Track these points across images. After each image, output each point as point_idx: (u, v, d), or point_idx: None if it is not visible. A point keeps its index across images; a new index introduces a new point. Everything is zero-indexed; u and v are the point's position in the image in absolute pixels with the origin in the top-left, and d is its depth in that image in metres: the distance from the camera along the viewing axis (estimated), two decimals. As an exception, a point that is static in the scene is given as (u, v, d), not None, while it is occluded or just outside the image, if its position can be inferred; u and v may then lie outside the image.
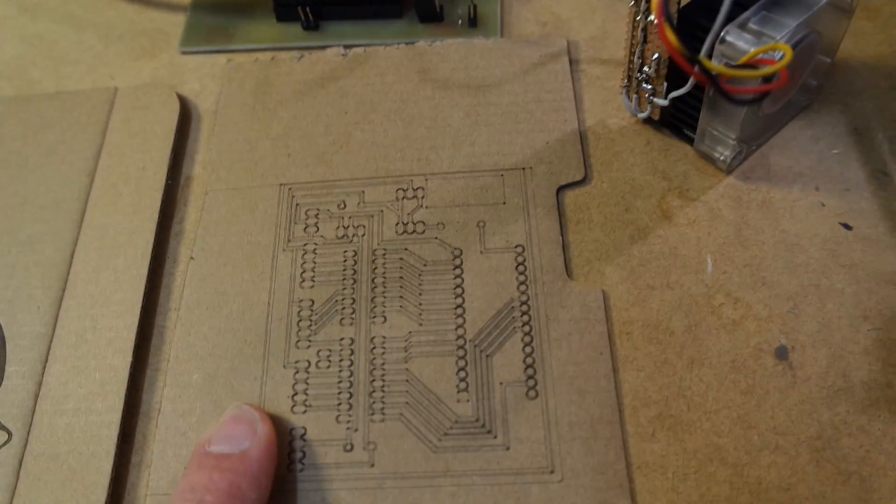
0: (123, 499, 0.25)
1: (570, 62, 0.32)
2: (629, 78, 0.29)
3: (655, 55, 0.26)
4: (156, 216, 0.29)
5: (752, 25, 0.24)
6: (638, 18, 0.26)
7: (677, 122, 0.29)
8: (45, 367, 0.26)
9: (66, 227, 0.29)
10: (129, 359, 0.26)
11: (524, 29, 0.34)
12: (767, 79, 0.22)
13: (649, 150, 0.30)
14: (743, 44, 0.23)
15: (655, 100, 0.28)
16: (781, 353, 0.25)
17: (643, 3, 0.26)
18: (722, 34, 0.23)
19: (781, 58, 0.21)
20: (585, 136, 0.30)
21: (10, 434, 0.25)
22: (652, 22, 0.25)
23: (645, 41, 0.27)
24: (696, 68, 0.21)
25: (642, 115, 0.29)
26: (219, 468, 0.22)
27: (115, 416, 0.25)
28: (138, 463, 0.25)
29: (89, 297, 0.28)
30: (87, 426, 0.25)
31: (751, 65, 0.22)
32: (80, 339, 0.27)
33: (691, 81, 0.25)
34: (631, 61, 0.28)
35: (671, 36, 0.20)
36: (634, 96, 0.29)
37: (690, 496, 0.23)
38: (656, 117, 0.29)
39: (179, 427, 0.25)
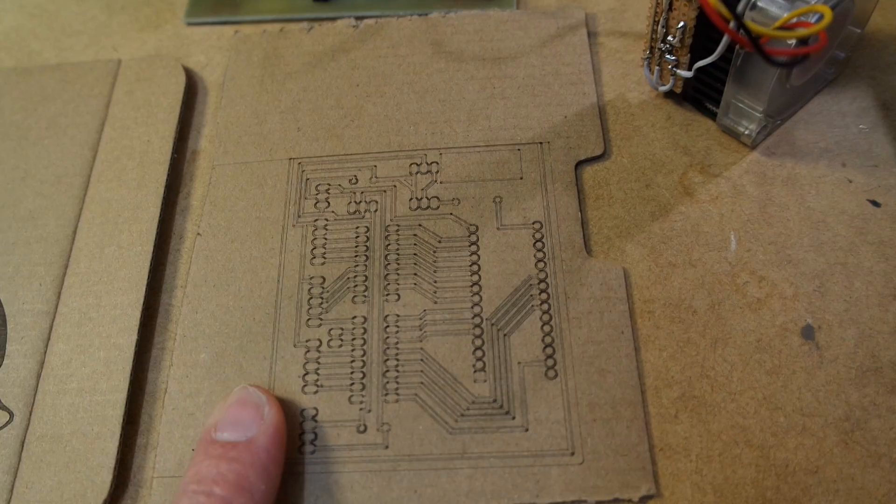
0: (129, 481, 0.24)
1: (588, 34, 0.31)
2: (651, 49, 0.28)
3: (681, 24, 0.25)
4: (161, 191, 0.28)
5: (784, -9, 0.23)
6: (663, -15, 0.25)
7: (700, 95, 0.28)
8: (47, 346, 0.26)
9: (69, 202, 0.28)
10: (134, 337, 0.25)
11: (540, 0, 0.33)
12: (804, 41, 0.21)
13: (670, 124, 0.29)
14: (776, 9, 0.22)
15: (679, 71, 0.27)
16: (808, 333, 0.24)
17: (669, -32, 0.25)
18: (753, -1, 0.22)
19: (819, 20, 0.20)
20: (604, 111, 0.29)
21: (11, 415, 0.25)
22: (678, -12, 0.24)
23: (670, 9, 0.26)
24: (737, 28, 0.20)
25: (663, 89, 0.29)
26: (226, 458, 0.21)
27: (121, 396, 0.25)
28: (144, 444, 0.24)
29: (93, 274, 0.27)
30: (91, 406, 0.25)
31: (787, 28, 0.21)
32: (83, 317, 0.26)
33: (719, 50, 0.24)
34: (654, 31, 0.27)
35: (708, -5, 0.19)
36: (656, 68, 0.28)
37: (715, 478, 0.23)
38: (678, 90, 0.28)
39: (186, 408, 0.24)
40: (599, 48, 0.31)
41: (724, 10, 0.19)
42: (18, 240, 0.28)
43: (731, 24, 0.20)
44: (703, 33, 0.26)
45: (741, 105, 0.26)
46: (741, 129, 0.27)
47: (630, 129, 0.29)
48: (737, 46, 0.24)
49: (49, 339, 0.26)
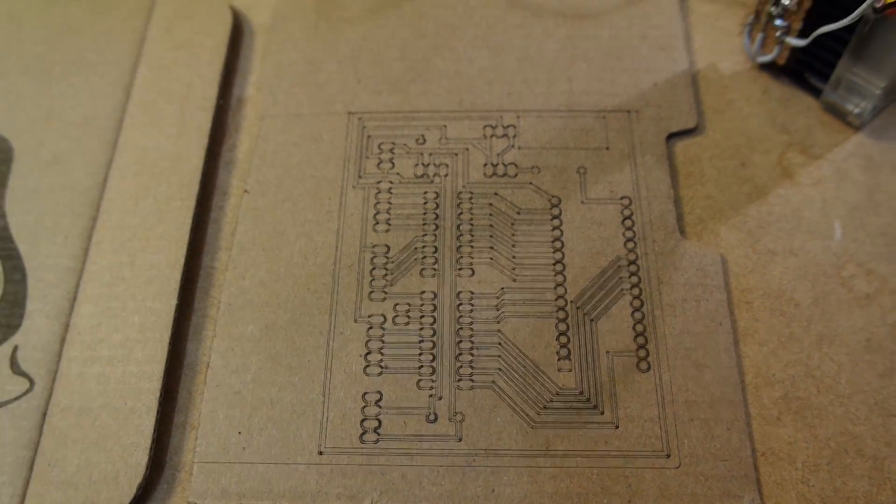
0: (166, 464, 0.21)
1: (677, -4, 0.28)
2: (758, 13, 0.25)
3: (802, -16, 0.23)
4: (205, 140, 0.25)
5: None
6: (788, -61, 0.22)
7: (804, 67, 0.26)
8: (73, 307, 0.23)
9: (99, 147, 0.25)
10: (173, 301, 0.23)
11: (622, -43, 0.30)
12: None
13: (767, 99, 0.26)
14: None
15: (789, 39, 0.24)
16: (921, 335, 0.22)
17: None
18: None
19: None
20: (696, 80, 0.27)
21: (31, 382, 0.22)
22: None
23: (790, -32, 0.23)
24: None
25: (763, 59, 0.26)
26: None
27: (157, 368, 0.22)
28: (182, 423, 0.22)
29: (127, 229, 0.24)
30: (123, 377, 0.22)
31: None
32: (115, 277, 0.23)
33: (857, 13, 0.21)
34: (765, -8, 0.24)
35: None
36: (759, 35, 0.25)
37: (824, 490, 0.20)
38: (782, 61, 0.26)
39: (232, 385, 0.22)
40: (689, 13, 0.28)
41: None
42: (41, 186, 0.25)
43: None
44: (826, -4, 0.23)
45: (856, 80, 0.24)
46: (850, 108, 0.25)
47: (723, 102, 0.26)
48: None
49: (75, 299, 0.23)
